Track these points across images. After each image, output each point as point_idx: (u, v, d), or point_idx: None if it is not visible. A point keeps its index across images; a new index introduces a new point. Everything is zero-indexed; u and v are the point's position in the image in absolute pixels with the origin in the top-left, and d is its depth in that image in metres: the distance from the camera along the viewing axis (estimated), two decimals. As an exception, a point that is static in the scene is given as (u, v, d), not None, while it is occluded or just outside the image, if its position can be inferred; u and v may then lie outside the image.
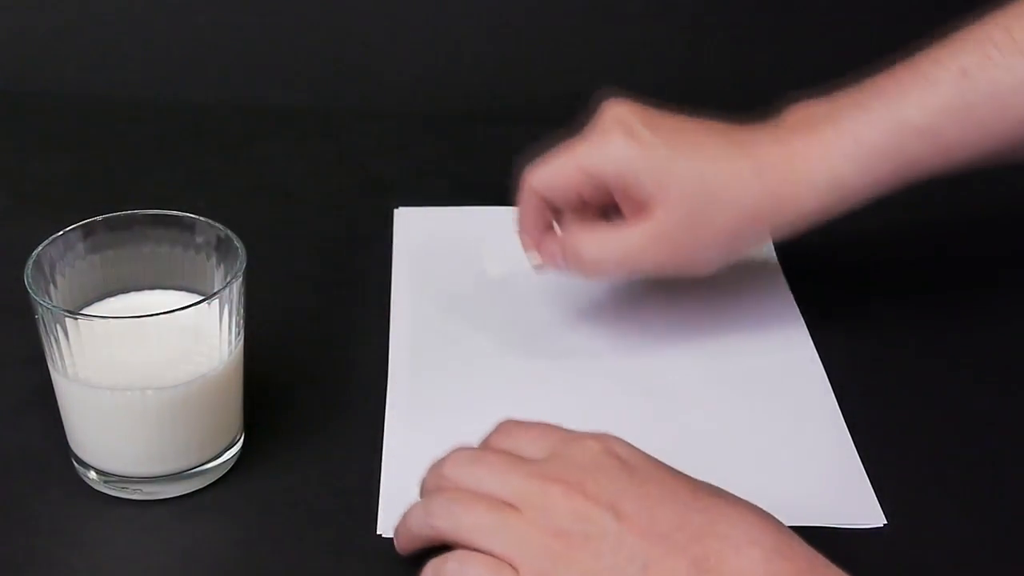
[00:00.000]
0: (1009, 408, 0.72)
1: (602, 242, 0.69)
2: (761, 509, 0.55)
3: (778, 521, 0.54)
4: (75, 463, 0.65)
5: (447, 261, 0.82)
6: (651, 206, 0.67)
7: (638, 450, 0.57)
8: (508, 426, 0.60)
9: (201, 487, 0.64)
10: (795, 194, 0.67)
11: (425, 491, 0.60)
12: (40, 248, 0.63)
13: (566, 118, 1.00)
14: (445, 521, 0.56)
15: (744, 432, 0.70)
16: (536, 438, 0.58)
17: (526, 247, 0.73)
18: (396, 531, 0.60)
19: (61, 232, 0.64)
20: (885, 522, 0.64)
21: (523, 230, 0.73)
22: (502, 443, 0.59)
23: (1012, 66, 0.65)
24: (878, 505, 0.65)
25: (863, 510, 0.65)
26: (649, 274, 0.71)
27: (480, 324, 0.77)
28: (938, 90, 0.66)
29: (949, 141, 0.66)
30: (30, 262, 0.62)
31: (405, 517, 0.59)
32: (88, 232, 0.65)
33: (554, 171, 0.70)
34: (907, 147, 0.66)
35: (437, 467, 0.59)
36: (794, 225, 0.69)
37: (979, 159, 0.67)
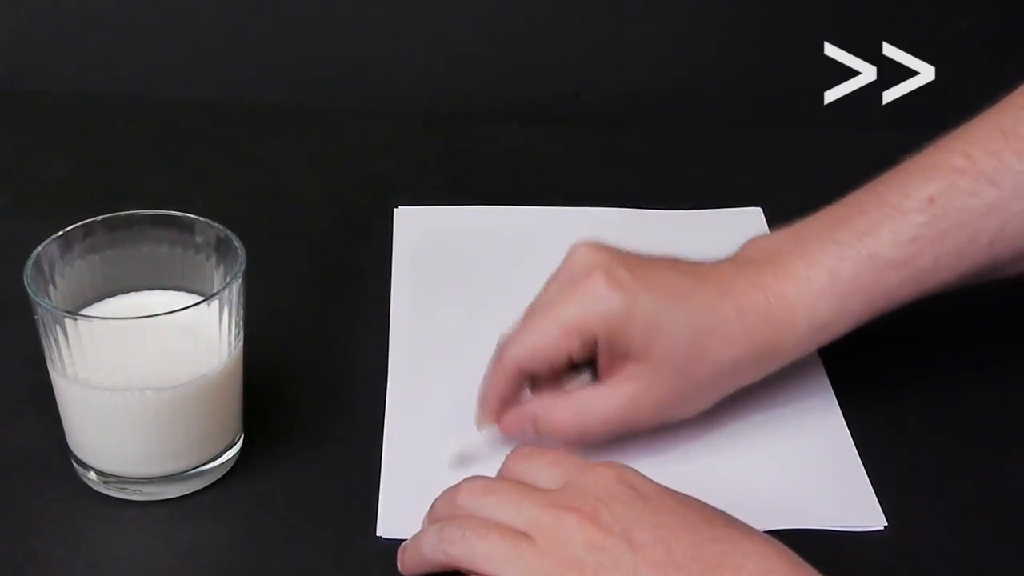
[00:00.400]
0: (1009, 409, 0.72)
1: (583, 408, 0.64)
2: (775, 540, 0.54)
3: (791, 552, 0.54)
4: (75, 464, 0.65)
5: (447, 260, 0.82)
6: (635, 360, 0.63)
7: (651, 480, 0.57)
8: (525, 450, 0.60)
9: (201, 487, 0.64)
10: (778, 342, 0.65)
11: (436, 517, 0.59)
12: (40, 248, 0.63)
13: (566, 118, 1.01)
14: (459, 549, 0.56)
15: (745, 434, 0.69)
16: (550, 464, 0.58)
17: (484, 418, 0.66)
18: (404, 552, 0.59)
19: (61, 232, 0.64)
20: (886, 524, 0.64)
21: (487, 402, 0.66)
22: (518, 464, 0.59)
23: (978, 191, 0.64)
24: (879, 507, 0.65)
25: (864, 512, 0.65)
26: (628, 431, 0.65)
27: (480, 324, 0.77)
28: (909, 221, 0.64)
29: (923, 270, 0.65)
30: (30, 262, 0.62)
31: (416, 540, 0.59)
32: (88, 232, 0.65)
33: (537, 339, 0.64)
34: (882, 280, 0.65)
35: (449, 496, 0.59)
36: (774, 367, 0.67)
37: (954, 283, 0.66)
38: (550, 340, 0.63)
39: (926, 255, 0.64)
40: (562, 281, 0.65)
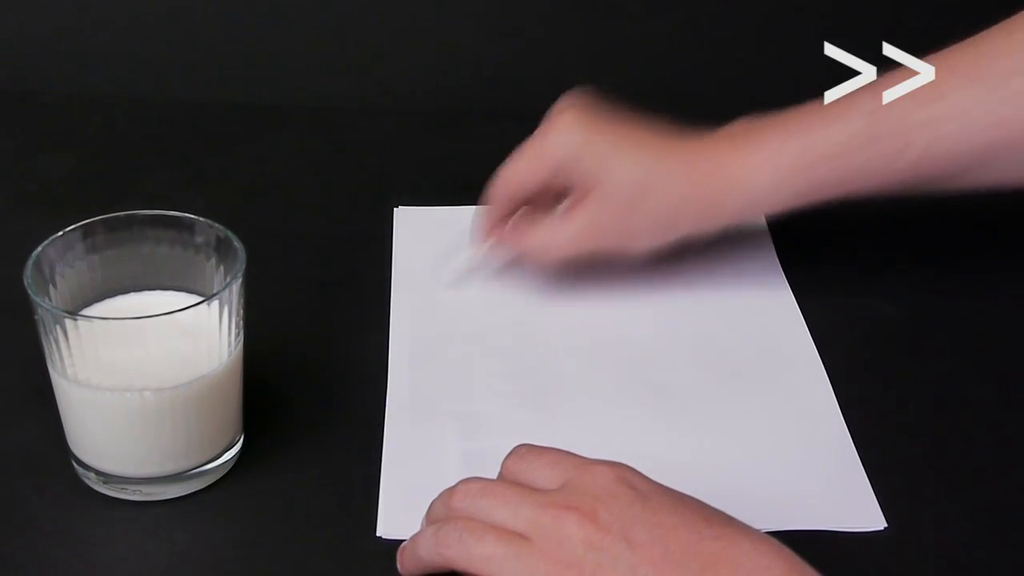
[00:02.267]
0: (1009, 410, 0.72)
1: (546, 231, 0.75)
2: (773, 539, 0.54)
3: (789, 550, 0.54)
4: (75, 464, 0.65)
5: (447, 260, 0.82)
6: (588, 194, 0.74)
7: (649, 479, 0.57)
8: (522, 450, 0.60)
9: (201, 488, 0.64)
10: (716, 197, 0.74)
11: (433, 519, 0.59)
12: (40, 248, 0.63)
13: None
14: (456, 551, 0.56)
15: (744, 435, 0.69)
16: (549, 464, 0.58)
17: (477, 235, 0.78)
18: (402, 554, 0.59)
19: (61, 232, 0.64)
20: (885, 525, 0.64)
21: (478, 226, 0.78)
22: (517, 465, 0.59)
23: (916, 109, 0.72)
24: (878, 508, 0.65)
25: (863, 513, 0.65)
26: (585, 258, 0.76)
27: (480, 323, 0.77)
28: (849, 122, 0.73)
29: (852, 168, 0.73)
30: (30, 262, 0.62)
31: (413, 542, 0.59)
32: (88, 232, 0.65)
33: (514, 168, 0.76)
34: (815, 168, 0.73)
35: (446, 498, 0.59)
36: (714, 222, 0.76)
37: (885, 187, 0.73)
38: (521, 167, 0.76)
39: (857, 155, 0.72)
40: (542, 126, 0.76)
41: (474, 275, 0.79)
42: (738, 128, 0.76)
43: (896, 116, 0.72)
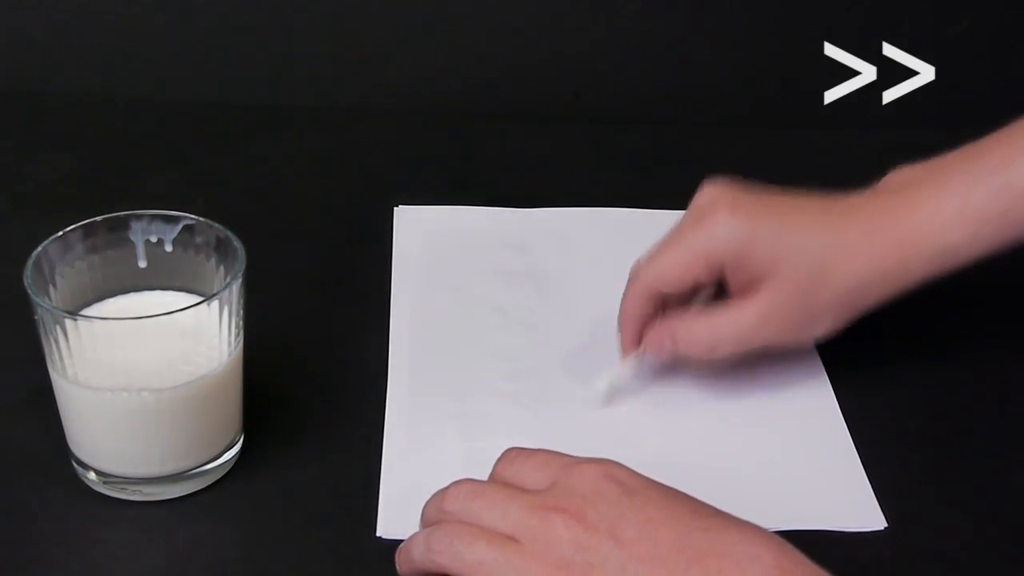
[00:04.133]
0: (1009, 410, 0.72)
1: (716, 325, 0.69)
2: (763, 529, 0.54)
3: (780, 539, 0.54)
4: (75, 464, 0.65)
5: (447, 260, 0.82)
6: (762, 282, 0.68)
7: (638, 474, 0.57)
8: (512, 454, 0.60)
9: (201, 488, 0.64)
10: (904, 263, 0.68)
11: (427, 521, 0.59)
12: (40, 248, 0.63)
13: (566, 118, 1.01)
14: (447, 557, 0.56)
15: (744, 435, 0.69)
16: (538, 466, 0.58)
17: (626, 344, 0.71)
18: (398, 558, 0.59)
19: (61, 232, 0.64)
20: (886, 525, 0.64)
21: (627, 324, 0.71)
22: (507, 469, 0.59)
23: None
24: (879, 508, 0.65)
25: (864, 513, 0.65)
26: (761, 349, 0.70)
27: (480, 323, 0.77)
28: None
29: None
30: (30, 262, 0.62)
31: (407, 547, 0.59)
32: (88, 232, 0.65)
33: (668, 263, 0.69)
34: (1016, 208, 0.67)
35: (438, 500, 0.59)
36: (903, 290, 0.69)
37: None
38: (679, 263, 0.69)
39: None
40: (691, 215, 0.70)
41: (628, 385, 0.72)
42: (904, 178, 0.70)
43: None
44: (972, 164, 0.68)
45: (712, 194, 0.69)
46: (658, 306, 0.71)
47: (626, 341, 0.71)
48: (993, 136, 0.68)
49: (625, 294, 0.71)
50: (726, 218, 0.68)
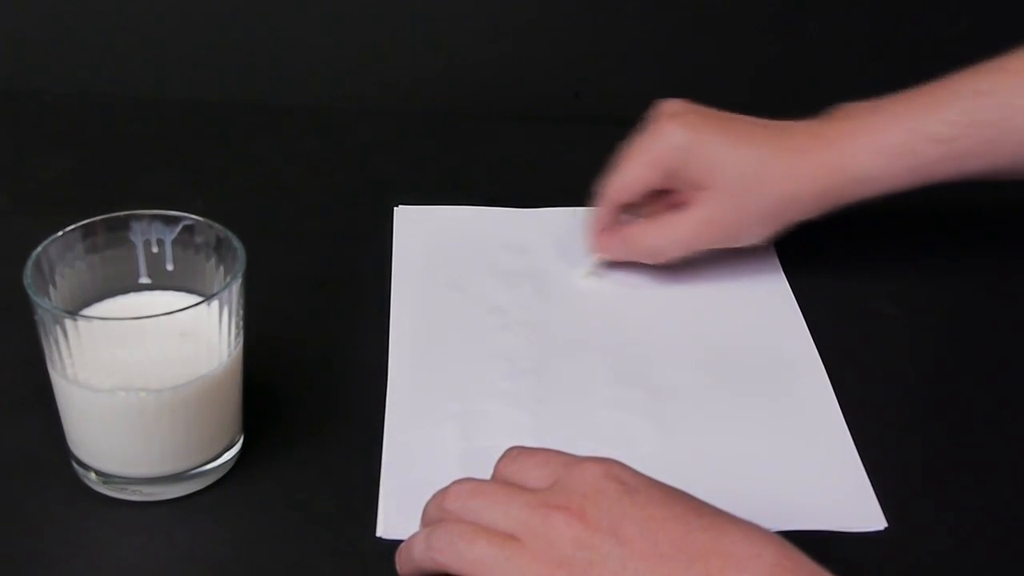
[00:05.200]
0: (1009, 410, 0.72)
1: (660, 230, 0.78)
2: (764, 528, 0.54)
3: (782, 538, 0.54)
4: (75, 464, 0.65)
5: (447, 260, 0.82)
6: (701, 191, 0.76)
7: (639, 473, 0.57)
8: (513, 452, 0.60)
9: (201, 488, 0.64)
10: (827, 184, 0.76)
11: (427, 520, 0.59)
12: (40, 248, 0.63)
13: (566, 118, 1.01)
14: (447, 556, 0.56)
15: (745, 435, 0.70)
16: (539, 464, 0.58)
17: (591, 247, 0.80)
18: (398, 558, 0.59)
19: (61, 232, 0.64)
20: (886, 526, 0.64)
21: (590, 230, 0.80)
22: (508, 468, 0.59)
23: (1017, 93, 0.74)
24: (879, 509, 0.65)
25: (864, 514, 0.65)
26: (701, 250, 0.79)
27: (480, 323, 0.77)
28: (955, 105, 0.75)
29: (961, 151, 0.75)
30: (30, 262, 0.62)
31: (408, 546, 0.59)
32: (88, 232, 0.65)
33: (622, 171, 0.78)
34: (923, 151, 0.75)
35: (438, 499, 0.59)
36: (822, 207, 0.77)
37: (989, 171, 0.76)
38: (634, 172, 0.78)
39: (965, 138, 0.74)
40: (645, 128, 0.78)
41: (598, 278, 0.81)
42: (841, 114, 0.77)
43: (998, 101, 0.74)
44: (900, 106, 0.76)
45: (664, 108, 0.78)
46: (620, 214, 0.79)
47: (591, 240, 0.80)
48: (931, 84, 0.76)
49: (592, 210, 0.80)
50: (672, 126, 0.76)
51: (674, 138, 0.76)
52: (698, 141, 0.76)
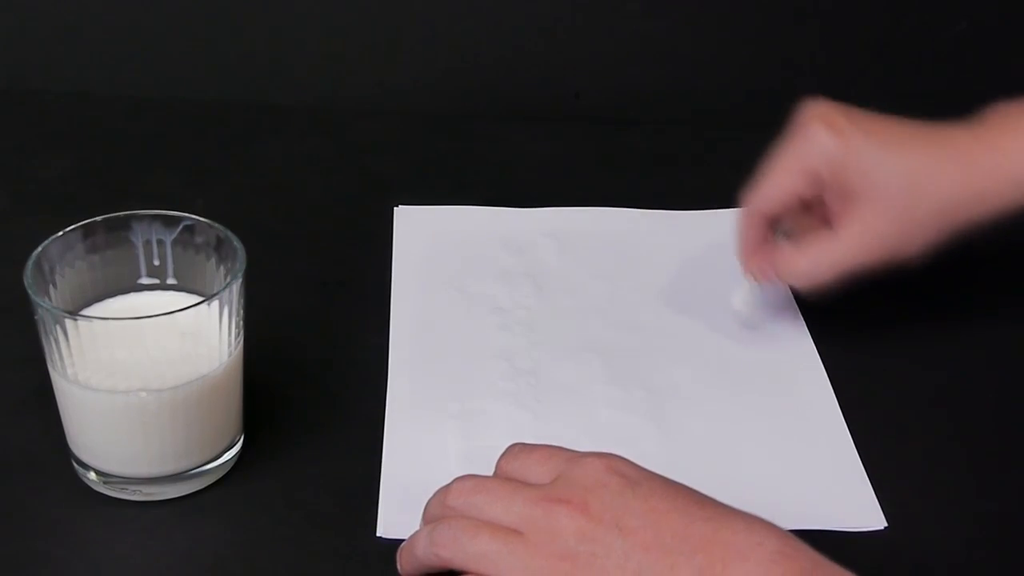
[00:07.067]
0: (1009, 410, 0.72)
1: (813, 252, 0.72)
2: (766, 520, 0.55)
3: (783, 529, 0.54)
4: (75, 464, 0.65)
5: (447, 260, 0.82)
6: (857, 202, 0.70)
7: (641, 467, 0.57)
8: (515, 449, 0.60)
9: (201, 488, 0.64)
10: (996, 187, 0.70)
11: (429, 518, 0.59)
12: (40, 248, 0.63)
13: (566, 118, 1.01)
14: (450, 551, 0.56)
15: (745, 435, 0.70)
16: (541, 460, 0.58)
17: (744, 270, 0.75)
18: (400, 556, 0.60)
19: (61, 232, 0.64)
20: (886, 525, 0.64)
21: (743, 250, 0.74)
22: (510, 464, 0.60)
23: None
24: (879, 508, 0.65)
25: (864, 513, 0.65)
26: (859, 272, 0.73)
27: (480, 323, 0.77)
28: None
29: None
30: (30, 262, 0.62)
31: (410, 543, 0.59)
32: (88, 232, 0.65)
33: (769, 184, 0.72)
34: None
35: (441, 496, 0.59)
36: (992, 216, 0.71)
37: None
38: (781, 182, 0.72)
39: None
40: (789, 135, 0.72)
41: (759, 303, 0.76)
42: (999, 114, 0.72)
43: None
44: None
45: (810, 112, 0.71)
46: (770, 229, 0.74)
47: (745, 267, 0.75)
48: None
49: (738, 224, 0.74)
50: (821, 131, 0.70)
51: (825, 144, 0.70)
52: (851, 147, 0.70)
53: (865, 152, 0.70)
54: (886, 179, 0.69)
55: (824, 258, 0.71)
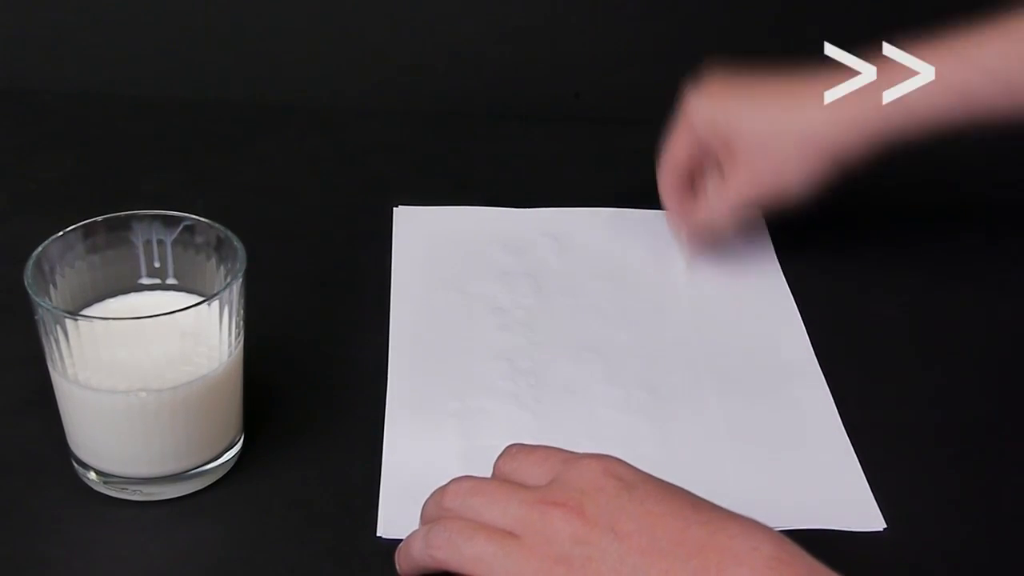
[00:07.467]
0: (1009, 411, 0.72)
1: (709, 202, 0.80)
2: (762, 523, 0.55)
3: (779, 533, 0.54)
4: (75, 464, 0.65)
5: (447, 260, 0.82)
6: (735, 150, 0.78)
7: (638, 469, 0.57)
8: (513, 450, 0.60)
9: (201, 488, 0.64)
10: (861, 116, 0.76)
11: (426, 519, 0.59)
12: (40, 248, 0.63)
13: (566, 118, 1.01)
14: (446, 552, 0.56)
15: (743, 436, 0.69)
16: (538, 461, 0.58)
17: (671, 219, 0.83)
18: (397, 556, 0.60)
19: (61, 232, 0.64)
20: (885, 526, 0.64)
21: (664, 203, 0.82)
22: (507, 465, 0.60)
23: None
24: (878, 509, 0.65)
25: (863, 514, 0.65)
26: (753, 212, 0.81)
27: (480, 323, 0.77)
28: (1014, 38, 0.74)
29: (1015, 85, 0.74)
30: (30, 262, 0.62)
31: (407, 544, 0.59)
32: (88, 232, 0.65)
33: (668, 150, 0.81)
34: (974, 84, 0.74)
35: (437, 497, 0.59)
36: (865, 140, 0.76)
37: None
38: (673, 147, 0.81)
39: (1021, 73, 0.74)
40: (681, 108, 0.80)
41: (697, 264, 0.82)
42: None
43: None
44: (949, 42, 0.76)
45: (701, 83, 0.80)
46: (686, 182, 0.81)
47: (669, 217, 0.83)
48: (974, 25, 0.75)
49: (659, 179, 0.82)
50: (698, 99, 0.79)
51: (701, 108, 0.79)
52: (722, 107, 0.78)
53: (733, 107, 0.78)
54: (751, 125, 0.77)
55: (716, 203, 0.79)
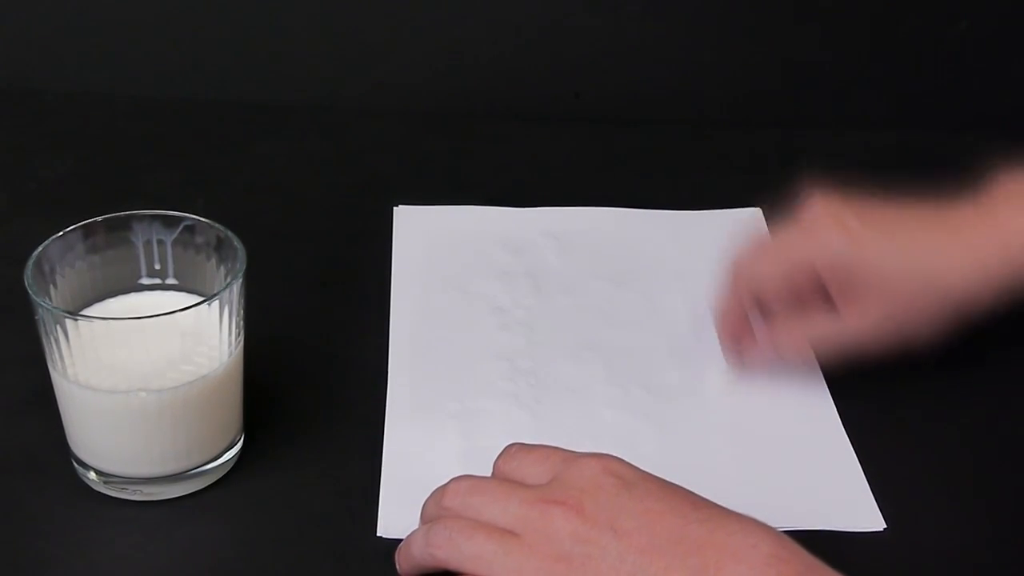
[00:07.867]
0: (1009, 411, 0.72)
1: (818, 332, 0.71)
2: (761, 521, 0.55)
3: (778, 531, 0.54)
4: (75, 464, 0.65)
5: (447, 260, 0.82)
6: (863, 288, 0.69)
7: (637, 468, 0.57)
8: (512, 449, 0.60)
9: (201, 488, 0.64)
10: (1010, 272, 0.69)
11: (426, 518, 0.60)
12: (40, 248, 0.63)
13: (566, 118, 1.01)
14: (446, 551, 0.56)
15: (743, 436, 0.69)
16: (538, 460, 0.59)
17: (724, 340, 0.74)
18: (398, 556, 0.60)
19: (61, 232, 0.64)
20: (885, 526, 0.64)
21: (724, 322, 0.73)
22: (507, 464, 0.60)
23: None
24: (877, 509, 0.65)
25: (862, 514, 0.65)
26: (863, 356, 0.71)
27: (480, 323, 0.77)
28: None
29: None
30: (30, 262, 0.62)
31: (407, 543, 0.59)
32: (88, 232, 0.65)
33: (771, 269, 0.71)
34: None
35: (437, 496, 0.59)
36: (1007, 298, 0.70)
37: None
38: (783, 272, 0.70)
39: None
40: (797, 226, 0.70)
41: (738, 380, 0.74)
42: (1012, 185, 0.70)
43: None
44: None
45: (819, 207, 0.70)
46: (752, 305, 0.72)
47: (724, 339, 0.73)
48: None
49: (722, 292, 0.73)
50: (833, 232, 0.69)
51: (836, 245, 0.69)
52: (860, 245, 0.69)
53: (872, 246, 0.69)
54: (892, 268, 0.69)
55: (828, 336, 0.71)
